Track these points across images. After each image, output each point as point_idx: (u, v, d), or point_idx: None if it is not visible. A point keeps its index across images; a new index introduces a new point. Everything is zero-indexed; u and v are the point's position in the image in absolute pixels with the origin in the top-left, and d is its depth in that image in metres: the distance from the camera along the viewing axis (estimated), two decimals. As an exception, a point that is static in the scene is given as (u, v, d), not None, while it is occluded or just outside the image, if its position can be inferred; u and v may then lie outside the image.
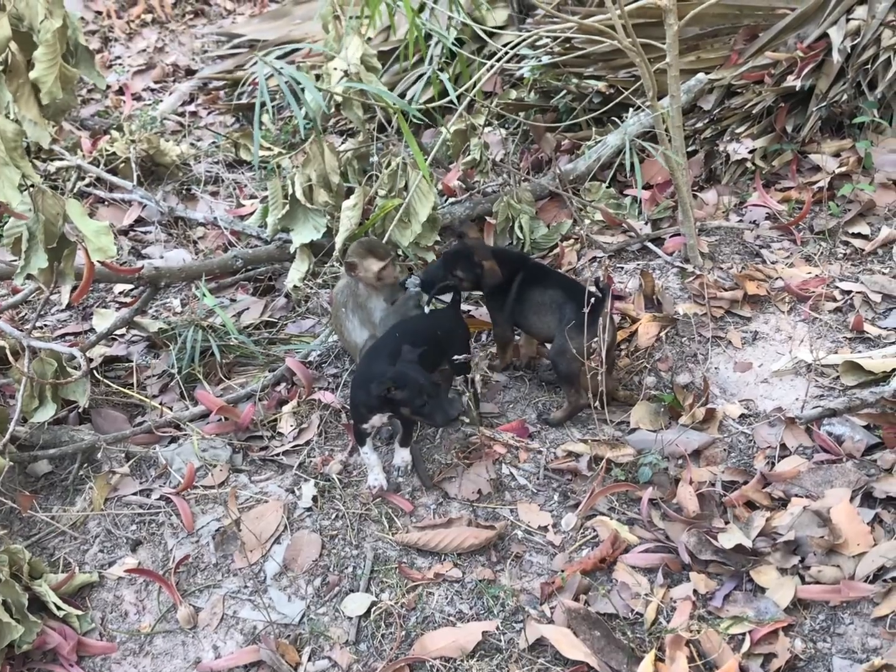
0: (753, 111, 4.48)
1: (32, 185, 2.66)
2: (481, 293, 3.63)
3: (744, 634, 2.47)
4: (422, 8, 4.86)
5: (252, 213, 4.51)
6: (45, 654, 2.66)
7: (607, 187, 4.44)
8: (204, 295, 3.77)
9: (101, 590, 2.84)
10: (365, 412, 2.93)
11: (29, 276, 2.73)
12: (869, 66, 4.33)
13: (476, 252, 3.39)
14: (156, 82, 6.93)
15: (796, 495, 2.85)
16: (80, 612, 2.75)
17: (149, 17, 8.09)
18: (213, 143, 5.67)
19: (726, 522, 2.80)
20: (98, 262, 2.69)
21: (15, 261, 3.82)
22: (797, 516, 2.74)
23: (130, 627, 2.74)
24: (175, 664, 2.63)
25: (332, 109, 3.95)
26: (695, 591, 2.63)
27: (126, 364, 3.75)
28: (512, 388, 3.46)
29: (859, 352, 3.37)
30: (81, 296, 2.88)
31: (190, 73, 6.98)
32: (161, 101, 6.44)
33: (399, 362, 2.86)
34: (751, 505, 2.86)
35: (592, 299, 3.02)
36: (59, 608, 2.71)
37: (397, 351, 2.92)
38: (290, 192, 3.90)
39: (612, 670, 2.44)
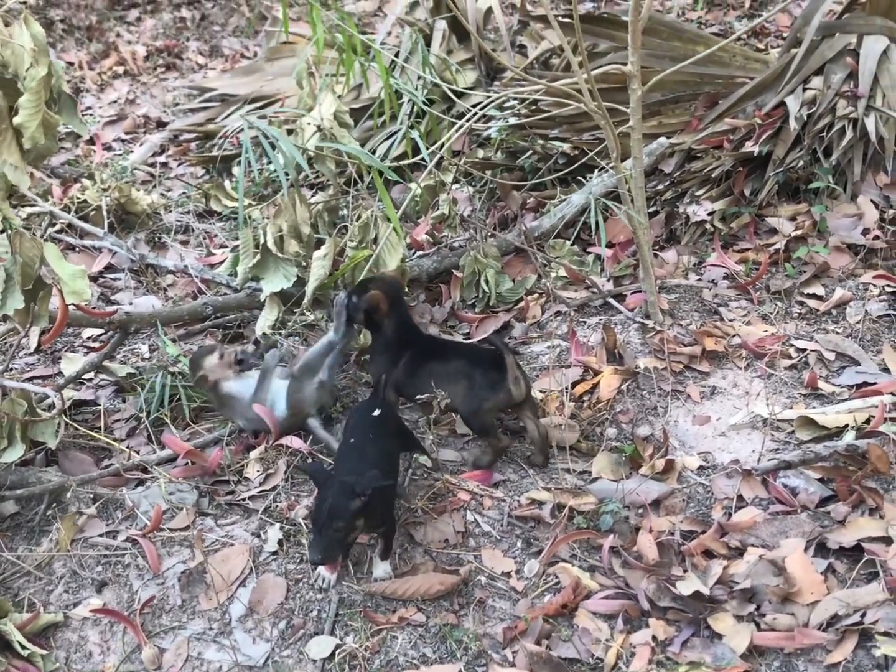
0: (713, 175, 4.64)
1: (11, 228, 2.72)
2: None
3: (709, 680, 2.53)
4: (393, 67, 5.01)
5: (222, 262, 4.57)
6: (7, 694, 2.65)
7: (571, 245, 4.55)
8: (166, 344, 3.82)
9: (65, 630, 2.83)
10: None
11: (5, 317, 2.76)
12: (824, 133, 4.50)
13: (360, 288, 3.54)
14: (127, 133, 7.01)
15: (752, 545, 2.92)
16: (44, 652, 2.74)
17: (120, 70, 8.21)
18: (184, 193, 5.74)
19: (685, 570, 2.86)
20: (73, 304, 2.73)
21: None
22: (753, 565, 2.81)
23: (95, 668, 2.73)
24: (139, 706, 2.64)
25: (305, 165, 4.04)
26: (654, 637, 2.67)
27: (94, 408, 3.77)
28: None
29: (814, 408, 3.48)
30: (54, 337, 2.92)
31: (161, 125, 7.07)
32: (132, 151, 6.52)
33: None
34: (708, 554, 2.92)
35: (494, 357, 3.21)
36: (23, 647, 2.70)
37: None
38: (262, 241, 3.97)
39: (572, 714, 2.49)
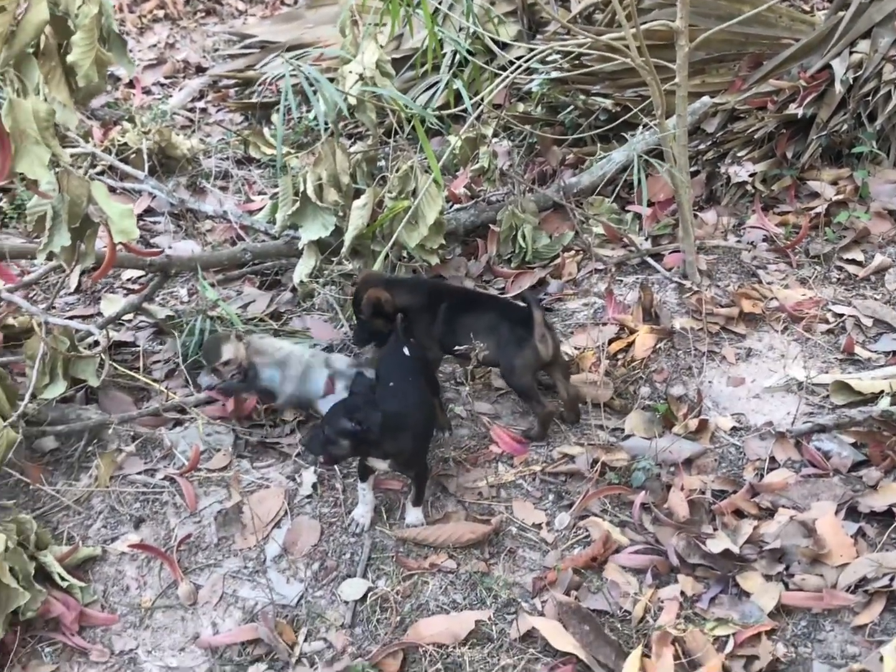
0: (755, 136, 4.59)
1: (59, 166, 2.73)
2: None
3: (728, 636, 2.55)
4: (436, 14, 4.95)
5: (261, 209, 4.59)
6: (48, 622, 2.72)
7: (610, 202, 4.53)
8: (205, 288, 3.84)
9: (103, 564, 2.90)
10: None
11: (51, 254, 2.79)
12: (869, 98, 4.44)
13: (360, 290, 3.44)
14: (166, 77, 7.00)
15: (783, 506, 2.93)
16: (82, 584, 2.81)
17: (161, 13, 8.17)
18: (223, 139, 5.75)
19: (715, 529, 2.89)
20: (120, 244, 2.75)
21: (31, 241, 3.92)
22: (783, 526, 2.83)
23: (132, 601, 2.80)
24: (174, 638, 2.70)
25: (346, 112, 4.02)
26: (682, 593, 2.71)
27: (133, 349, 3.81)
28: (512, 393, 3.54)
29: (849, 373, 3.47)
30: (102, 276, 2.96)
31: (200, 70, 7.06)
32: (171, 96, 6.52)
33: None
34: (739, 513, 2.94)
35: (524, 313, 3.19)
36: (62, 579, 2.77)
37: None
38: (301, 189, 3.98)
39: (599, 664, 2.52)
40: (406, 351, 3.15)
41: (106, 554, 2.92)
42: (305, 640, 2.66)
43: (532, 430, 3.33)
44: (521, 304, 3.33)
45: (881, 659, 2.39)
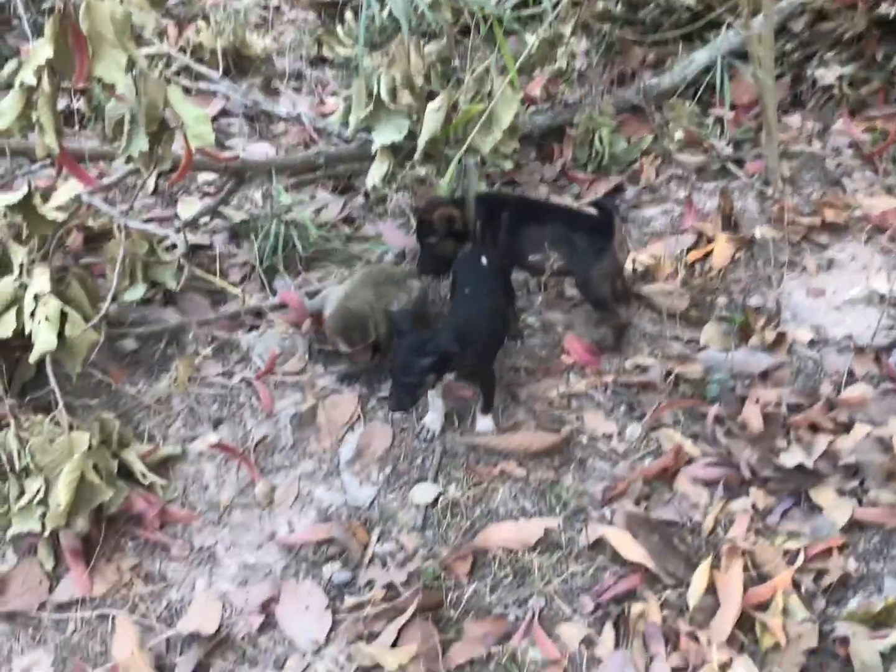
0: (844, 37, 4.40)
1: (135, 69, 2.72)
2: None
3: (799, 550, 2.54)
4: None
5: (334, 112, 4.54)
6: (131, 518, 2.82)
7: (691, 105, 4.39)
8: (280, 192, 3.85)
9: (183, 463, 2.99)
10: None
11: (129, 158, 2.81)
12: (968, -5, 4.22)
13: (424, 212, 3.40)
14: (239, -26, 6.90)
15: (860, 421, 2.89)
16: (163, 482, 2.90)
17: None
18: (296, 38, 5.68)
19: (789, 443, 2.86)
20: (196, 148, 2.76)
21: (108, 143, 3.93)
22: (860, 441, 2.80)
23: (210, 500, 2.89)
24: (252, 536, 2.78)
25: (420, 10, 3.94)
26: (753, 506, 2.70)
27: (209, 252, 3.85)
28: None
29: (934, 286, 3.37)
30: (179, 180, 2.97)
31: (273, -34, 6.94)
32: (245, -7, 6.43)
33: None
34: (814, 428, 2.90)
35: (597, 221, 3.14)
36: (144, 476, 2.87)
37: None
38: (375, 91, 3.92)
39: (668, 574, 2.54)
40: (483, 259, 3.12)
41: (185, 453, 3.01)
42: (378, 542, 2.72)
43: (607, 340, 3.30)
44: (593, 211, 3.27)
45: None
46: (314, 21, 5.98)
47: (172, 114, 2.76)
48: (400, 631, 2.47)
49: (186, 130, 2.73)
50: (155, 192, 4.23)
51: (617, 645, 2.42)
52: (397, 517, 2.78)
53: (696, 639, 2.38)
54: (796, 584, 2.48)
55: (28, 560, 2.74)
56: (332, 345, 3.15)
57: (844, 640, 2.31)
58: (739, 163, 4.07)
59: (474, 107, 3.82)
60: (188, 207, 3.99)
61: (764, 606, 2.43)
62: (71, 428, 2.71)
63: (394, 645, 2.44)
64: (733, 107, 4.35)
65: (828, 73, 4.43)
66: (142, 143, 2.75)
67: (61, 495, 2.58)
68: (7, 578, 2.70)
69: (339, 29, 5.51)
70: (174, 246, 3.68)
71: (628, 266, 3.54)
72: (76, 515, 2.66)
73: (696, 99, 4.40)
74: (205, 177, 4.37)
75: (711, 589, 2.46)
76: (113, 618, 2.61)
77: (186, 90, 4.94)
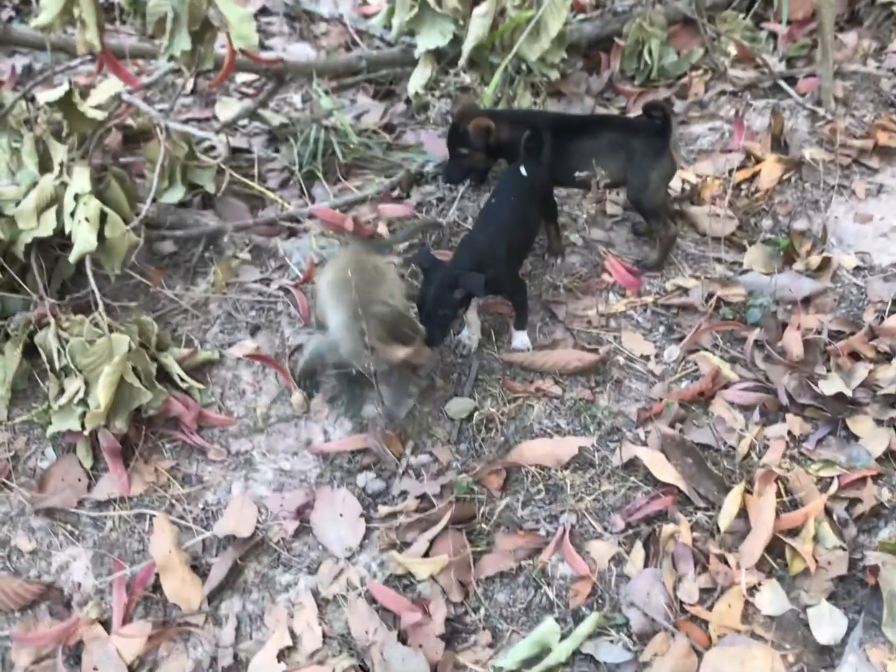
0: (907, -48, 4.22)
1: (179, -34, 2.67)
2: None
3: (832, 478, 2.54)
4: None
5: (377, 13, 4.44)
6: (169, 420, 2.85)
7: (745, 19, 4.26)
8: (319, 96, 3.78)
9: (220, 368, 3.00)
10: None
11: (171, 57, 2.76)
12: None
13: (460, 121, 3.28)
14: None
15: (902, 351, 2.86)
16: (201, 387, 2.92)
17: None
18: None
19: (828, 370, 2.83)
20: (239, 49, 2.71)
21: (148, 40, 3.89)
22: (897, 371, 2.77)
23: (247, 405, 2.91)
24: (287, 443, 2.81)
25: None
26: (789, 432, 2.69)
27: (247, 156, 3.80)
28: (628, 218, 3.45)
29: None
30: (221, 81, 2.92)
31: None
32: None
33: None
34: (855, 356, 2.88)
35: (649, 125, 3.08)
36: (182, 380, 2.88)
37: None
38: (420, -7, 3.83)
39: (700, 496, 2.55)
40: (523, 169, 3.06)
41: (223, 358, 3.02)
42: (412, 453, 2.74)
43: (648, 258, 3.26)
44: (643, 116, 3.19)
45: None
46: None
47: (216, 13, 2.71)
48: (432, 541, 2.51)
49: (230, 30, 2.68)
50: (193, 91, 4.18)
51: (646, 564, 2.44)
52: (432, 430, 2.79)
53: (725, 561, 2.41)
54: (828, 512, 2.48)
55: (67, 458, 2.78)
56: (384, 363, 2.69)
57: (874, 569, 2.31)
58: (792, 81, 3.95)
59: (522, 13, 3.74)
60: (227, 109, 3.94)
61: (795, 532, 2.45)
62: (111, 330, 2.73)
63: (426, 555, 2.48)
64: (788, 22, 4.21)
65: (888, -11, 4.27)
66: (184, 42, 2.71)
67: (101, 396, 2.61)
68: (46, 475, 2.76)
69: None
70: (213, 148, 3.65)
71: (675, 184, 3.48)
72: (115, 416, 2.69)
73: (749, 13, 4.26)
74: (243, 77, 4.31)
75: (743, 513, 2.47)
76: (151, 517, 2.66)
77: (226, -13, 4.84)
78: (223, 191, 3.48)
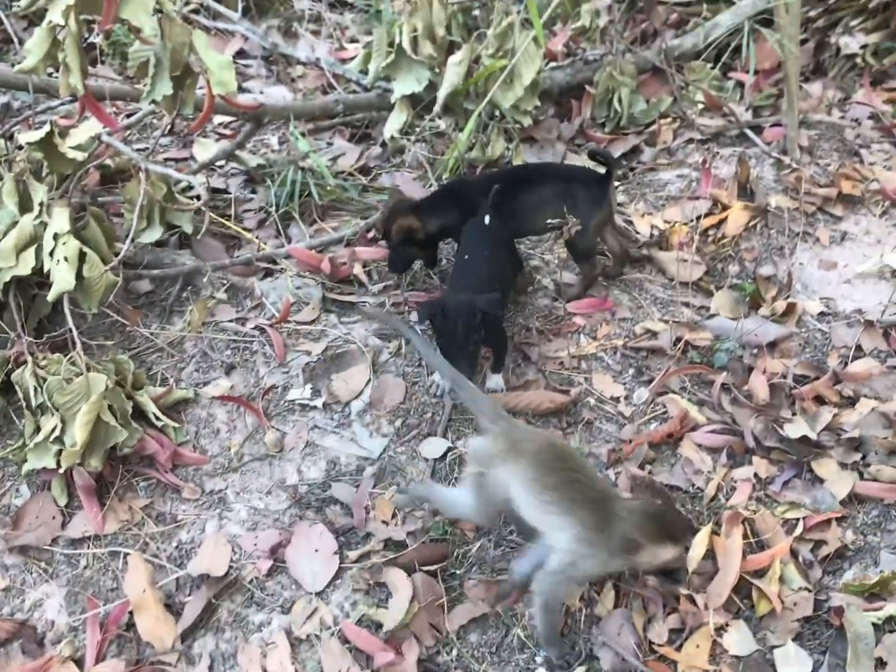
0: (870, 5, 4.37)
1: (161, 12, 2.71)
2: None
3: (798, 520, 2.60)
4: None
5: (354, 58, 4.51)
6: (143, 458, 2.86)
7: (713, 68, 4.37)
8: (296, 138, 3.84)
9: (195, 406, 3.02)
10: None
11: (153, 102, 2.80)
12: None
13: (387, 220, 3.32)
14: None
15: (865, 396, 2.93)
16: (176, 425, 2.93)
17: None
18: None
19: (794, 413, 2.90)
20: (218, 95, 2.75)
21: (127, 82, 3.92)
22: (864, 416, 2.84)
23: (221, 444, 2.93)
24: (261, 482, 2.83)
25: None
26: (755, 475, 2.75)
27: (225, 196, 3.85)
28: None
29: (947, 264, 3.39)
30: (200, 126, 2.96)
31: None
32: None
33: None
34: (820, 400, 2.94)
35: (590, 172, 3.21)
36: (157, 418, 2.90)
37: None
38: (397, 40, 3.91)
39: (669, 537, 2.60)
40: (486, 219, 3.13)
41: (198, 397, 3.04)
42: (385, 493, 2.77)
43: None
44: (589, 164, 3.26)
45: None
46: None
47: (196, 59, 2.76)
48: (405, 581, 2.52)
49: (210, 77, 2.72)
50: (171, 132, 4.22)
51: (616, 605, 2.48)
52: (406, 469, 2.83)
53: (693, 602, 2.45)
54: (794, 554, 2.54)
55: (42, 496, 2.79)
56: (645, 565, 2.38)
57: (839, 610, 2.37)
58: (758, 129, 4.06)
59: (496, 62, 3.81)
60: (204, 149, 3.98)
61: (761, 573, 2.50)
62: (88, 368, 2.75)
63: (397, 597, 2.50)
64: (755, 72, 4.33)
65: (852, 42, 4.41)
66: (166, 88, 2.73)
67: (77, 435, 2.63)
68: (21, 513, 2.76)
69: (359, -28, 5.46)
70: (191, 187, 3.69)
71: (644, 229, 3.57)
72: (90, 455, 2.71)
73: (717, 62, 4.38)
74: (221, 118, 4.35)
75: (710, 554, 2.52)
76: (125, 555, 2.66)
77: (205, 29, 4.90)
78: (200, 231, 3.51)
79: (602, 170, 3.25)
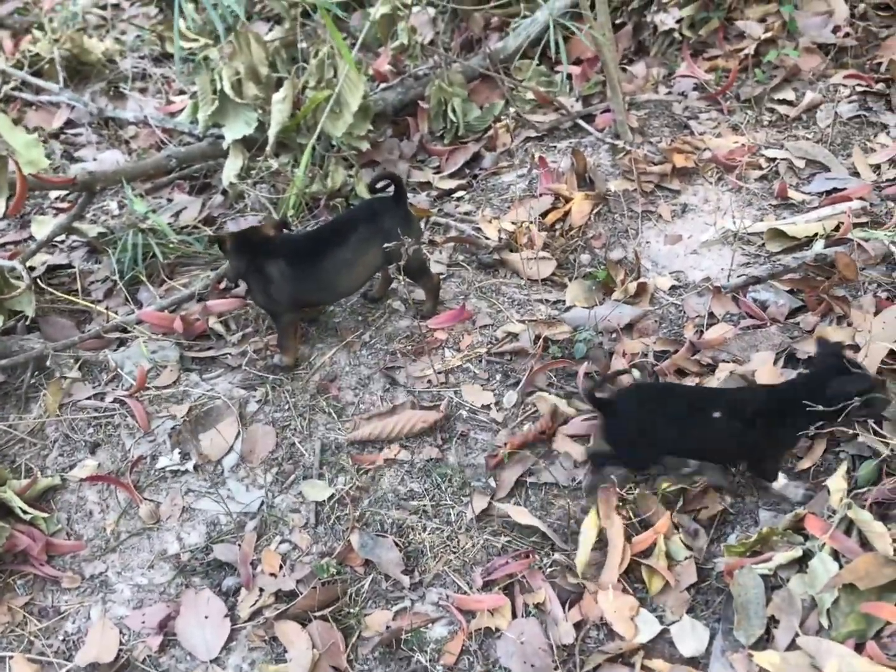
0: (679, -21, 4.48)
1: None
2: None
3: (678, 494, 2.64)
4: None
5: (182, 110, 4.47)
6: (17, 555, 2.76)
7: (537, 65, 4.43)
8: (133, 201, 3.77)
9: (64, 492, 2.93)
10: None
11: (-37, 191, 2.73)
12: (792, -74, 4.33)
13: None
14: (73, -27, 6.68)
15: (724, 360, 2.98)
16: (45, 515, 2.84)
17: None
18: (138, 36, 5.55)
19: (658, 390, 2.94)
20: (30, 174, 2.69)
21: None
22: (724, 380, 2.89)
23: (96, 526, 2.85)
24: (142, 557, 2.76)
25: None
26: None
27: (69, 270, 3.76)
28: (454, 275, 3.53)
29: (784, 218, 3.49)
30: (17, 209, 2.88)
31: (108, -39, 6.74)
32: (80, -7, 6.24)
33: None
34: (681, 372, 2.99)
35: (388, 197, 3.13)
36: (25, 512, 2.80)
37: None
38: (219, 86, 3.87)
39: (557, 533, 2.61)
40: None
41: (66, 482, 2.95)
42: (269, 544, 2.73)
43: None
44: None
45: (828, 492, 2.46)
46: (155, 16, 5.84)
47: (1, 142, 2.69)
48: (300, 632, 2.49)
49: (18, 158, 2.66)
50: (5, 215, 4.11)
51: (514, 615, 2.48)
52: (288, 517, 2.78)
53: (589, 592, 2.47)
54: (677, 527, 2.57)
55: (-88, 613, 2.68)
56: None
57: (730, 573, 2.40)
58: (590, 118, 4.13)
59: (320, 93, 3.81)
60: (42, 227, 3.87)
61: (648, 553, 2.53)
62: (-60, 475, 2.65)
63: (293, 651, 2.46)
64: (579, 62, 4.41)
65: (667, 18, 4.51)
66: (-27, 175, 2.67)
67: (-63, 545, 2.52)
68: None
69: (181, 22, 5.39)
70: (32, 269, 3.59)
71: (493, 234, 3.59)
72: (-44, 563, 2.61)
73: (541, 57, 4.43)
74: (57, 193, 4.25)
75: (598, 545, 2.54)
76: (9, 659, 2.56)
77: (29, 104, 4.81)
78: (47, 310, 3.44)
79: (391, 190, 3.15)
